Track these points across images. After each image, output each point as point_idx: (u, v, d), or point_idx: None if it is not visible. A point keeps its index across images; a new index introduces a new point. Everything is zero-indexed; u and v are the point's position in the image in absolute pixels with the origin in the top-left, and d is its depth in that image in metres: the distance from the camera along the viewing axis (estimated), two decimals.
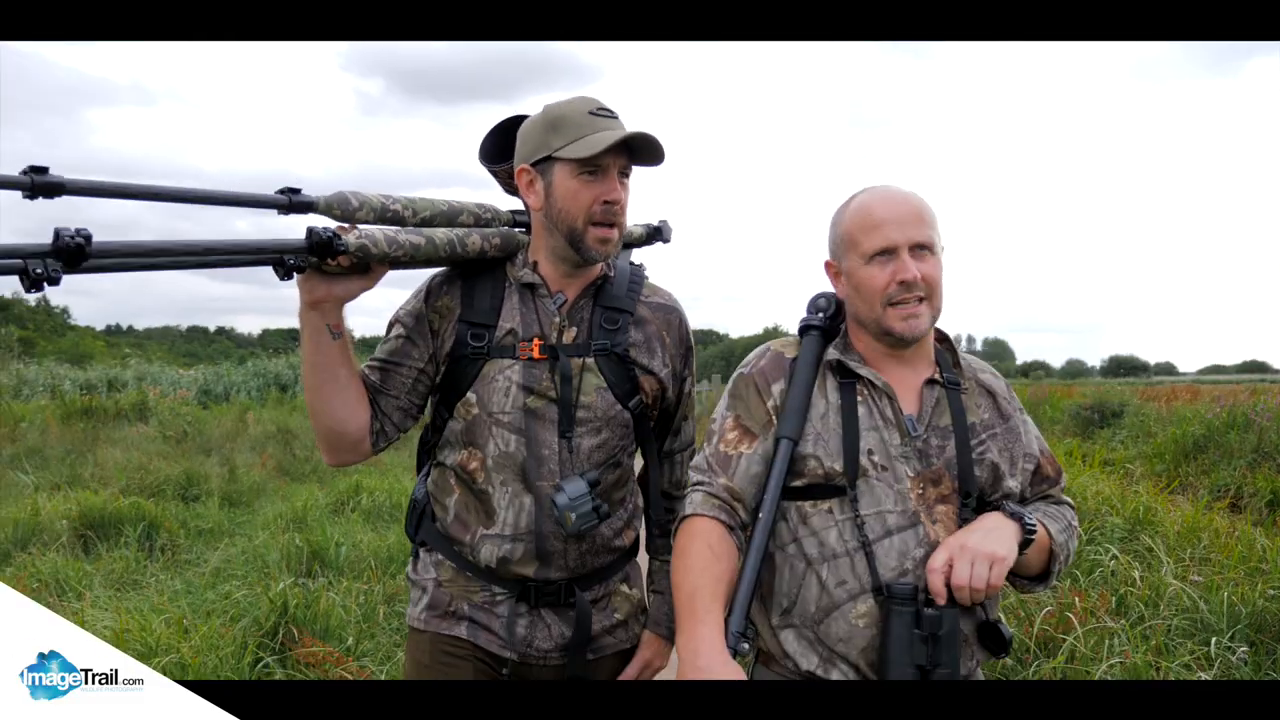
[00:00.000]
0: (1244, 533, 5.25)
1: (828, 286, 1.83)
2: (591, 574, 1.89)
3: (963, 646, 1.63)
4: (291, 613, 3.90)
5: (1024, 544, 1.63)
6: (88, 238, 1.26)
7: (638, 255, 2.10)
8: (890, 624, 1.57)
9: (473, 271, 1.87)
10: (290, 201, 1.57)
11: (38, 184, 1.25)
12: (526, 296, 1.86)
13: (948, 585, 1.57)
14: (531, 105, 1.64)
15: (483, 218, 1.88)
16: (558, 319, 1.84)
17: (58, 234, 1.23)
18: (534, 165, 1.80)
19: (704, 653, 1.47)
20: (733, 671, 1.46)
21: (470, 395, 1.82)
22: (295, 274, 1.61)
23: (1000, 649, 1.69)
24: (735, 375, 1.82)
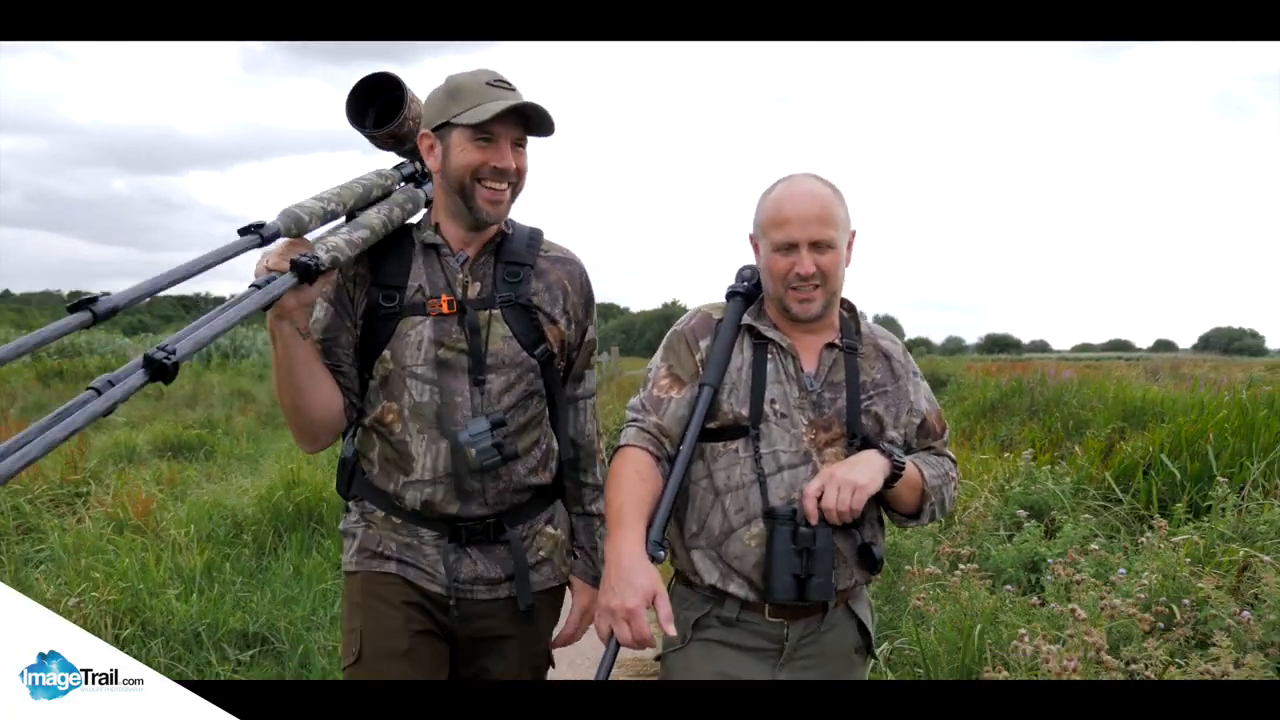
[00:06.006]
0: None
1: (727, 261, 2.46)
2: (515, 510, 2.00)
3: (842, 565, 1.86)
4: None
5: (892, 477, 1.83)
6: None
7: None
8: (773, 540, 1.80)
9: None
10: (263, 238, 1.68)
11: (98, 313, 1.34)
12: (431, 256, 1.94)
13: (822, 509, 1.78)
14: (429, 68, 2.12)
15: (388, 186, 1.97)
16: (461, 275, 1.93)
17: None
18: (434, 131, 1.89)
19: (626, 553, 1.72)
20: (647, 571, 1.70)
21: (385, 352, 1.92)
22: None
23: (873, 568, 1.91)
24: (670, 332, 2.03)
